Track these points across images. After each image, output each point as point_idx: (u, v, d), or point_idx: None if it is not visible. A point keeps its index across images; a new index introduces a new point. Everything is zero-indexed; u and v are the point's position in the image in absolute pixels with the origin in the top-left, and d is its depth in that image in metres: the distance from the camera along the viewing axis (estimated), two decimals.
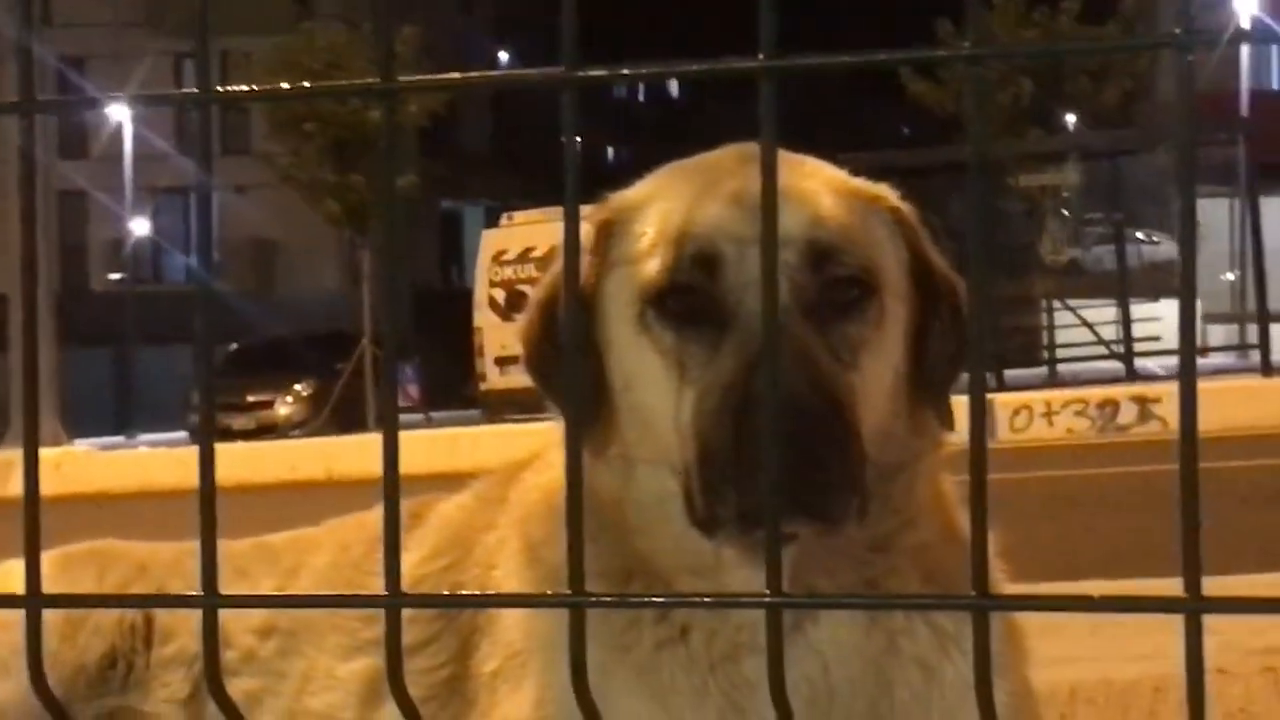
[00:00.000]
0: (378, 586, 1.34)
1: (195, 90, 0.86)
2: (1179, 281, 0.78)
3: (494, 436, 12.93)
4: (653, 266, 1.30)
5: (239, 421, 20.61)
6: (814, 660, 1.34)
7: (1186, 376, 0.78)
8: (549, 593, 1.24)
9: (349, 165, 18.37)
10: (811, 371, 1.16)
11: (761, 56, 0.78)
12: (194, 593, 0.97)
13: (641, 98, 50.54)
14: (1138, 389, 13.02)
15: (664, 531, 1.31)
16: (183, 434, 20.57)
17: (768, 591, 0.87)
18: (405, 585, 1.31)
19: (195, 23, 0.91)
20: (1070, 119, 20.55)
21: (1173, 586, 0.96)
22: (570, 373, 1.07)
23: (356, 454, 12.61)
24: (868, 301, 1.29)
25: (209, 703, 1.54)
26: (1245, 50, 22.49)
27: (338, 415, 18.13)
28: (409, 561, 1.52)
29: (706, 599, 1.35)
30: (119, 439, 23.18)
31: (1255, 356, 15.75)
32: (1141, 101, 22.60)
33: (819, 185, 1.33)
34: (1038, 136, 19.43)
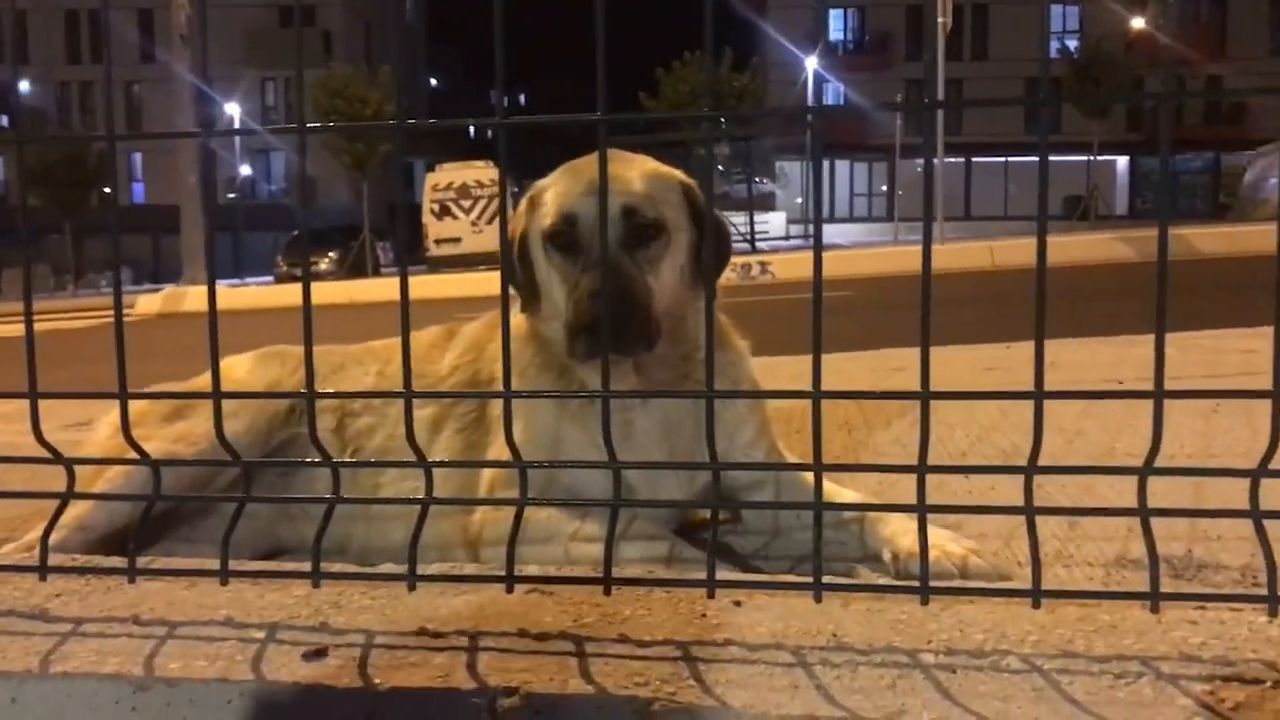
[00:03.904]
0: (436, 371, 2.25)
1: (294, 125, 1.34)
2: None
3: (438, 280, 20.85)
4: (548, 221, 1.97)
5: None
6: (660, 415, 2.03)
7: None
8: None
9: (357, 136, 31.31)
10: (618, 277, 1.82)
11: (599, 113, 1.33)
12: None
13: None
14: (759, 257, 21.61)
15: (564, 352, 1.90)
16: None
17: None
18: (446, 372, 2.23)
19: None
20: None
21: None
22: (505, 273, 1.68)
23: (370, 288, 21.06)
24: (658, 237, 1.93)
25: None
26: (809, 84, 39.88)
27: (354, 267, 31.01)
28: (450, 357, 2.30)
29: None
30: None
31: (813, 240, 28.61)
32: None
33: (634, 173, 1.98)
34: (706, 129, 32.81)
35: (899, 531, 1.84)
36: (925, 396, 1.15)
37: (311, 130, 1.23)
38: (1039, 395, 1.13)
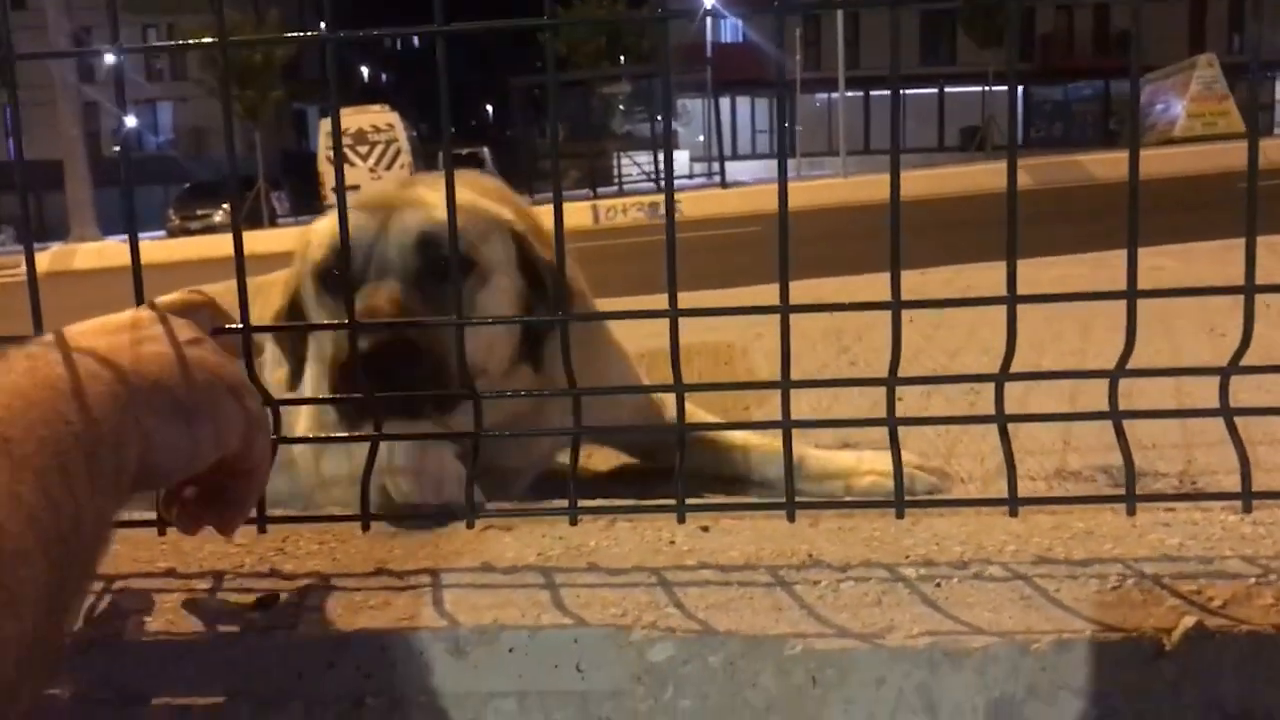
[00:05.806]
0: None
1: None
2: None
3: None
4: (318, 255, 1.65)
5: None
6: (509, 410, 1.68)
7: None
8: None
9: (248, 83, 30.35)
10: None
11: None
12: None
13: None
14: None
15: None
16: None
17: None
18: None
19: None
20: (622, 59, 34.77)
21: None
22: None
23: (270, 239, 21.38)
24: (468, 276, 1.58)
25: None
26: (708, 21, 40.69)
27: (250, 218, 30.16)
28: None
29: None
30: None
31: (716, 178, 28.61)
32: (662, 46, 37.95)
33: (440, 199, 1.48)
34: (607, 67, 32.55)
35: (851, 469, 1.80)
36: (896, 306, 1.12)
37: (233, 43, 1.14)
38: (1011, 300, 1.11)
